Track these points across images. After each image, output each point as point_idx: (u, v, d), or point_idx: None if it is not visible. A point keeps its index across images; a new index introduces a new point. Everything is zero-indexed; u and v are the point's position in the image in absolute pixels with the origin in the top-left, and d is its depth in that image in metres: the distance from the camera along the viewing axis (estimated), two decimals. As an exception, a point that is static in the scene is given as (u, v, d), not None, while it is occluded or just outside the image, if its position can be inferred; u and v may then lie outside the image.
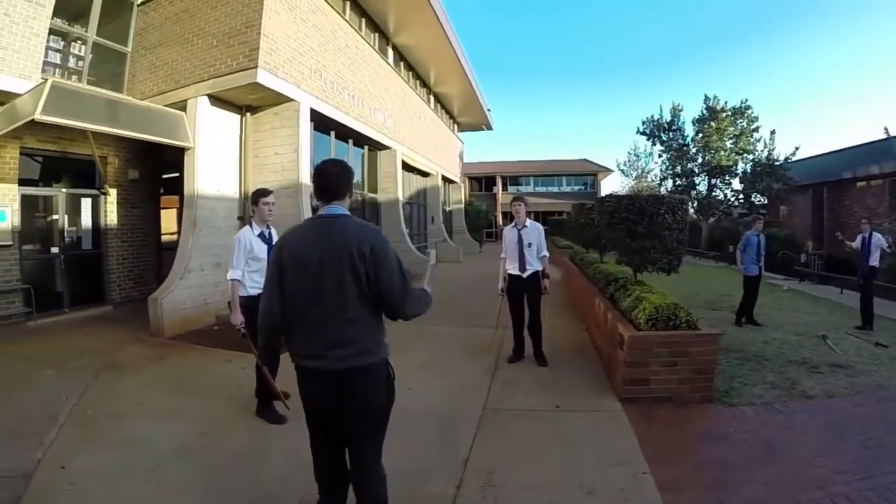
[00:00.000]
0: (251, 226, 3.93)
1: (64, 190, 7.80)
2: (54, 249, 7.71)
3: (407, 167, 15.54)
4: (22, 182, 7.10)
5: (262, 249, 3.86)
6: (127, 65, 8.14)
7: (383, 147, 12.92)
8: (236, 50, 7.15)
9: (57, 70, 7.38)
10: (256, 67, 7.05)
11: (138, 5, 8.16)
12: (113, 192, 8.41)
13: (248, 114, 8.26)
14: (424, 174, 18.34)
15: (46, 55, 7.00)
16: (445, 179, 21.59)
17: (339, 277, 1.88)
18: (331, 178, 2.06)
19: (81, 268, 8.15)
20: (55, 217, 7.76)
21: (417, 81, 17.35)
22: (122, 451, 3.38)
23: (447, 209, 22.87)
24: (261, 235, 3.91)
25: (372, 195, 12.88)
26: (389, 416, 2.16)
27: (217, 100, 7.73)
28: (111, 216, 8.41)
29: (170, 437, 3.58)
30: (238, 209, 8.22)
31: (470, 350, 5.77)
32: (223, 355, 5.54)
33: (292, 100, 8.01)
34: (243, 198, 8.26)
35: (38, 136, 6.99)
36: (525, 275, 5.13)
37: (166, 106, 7.62)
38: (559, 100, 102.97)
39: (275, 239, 3.95)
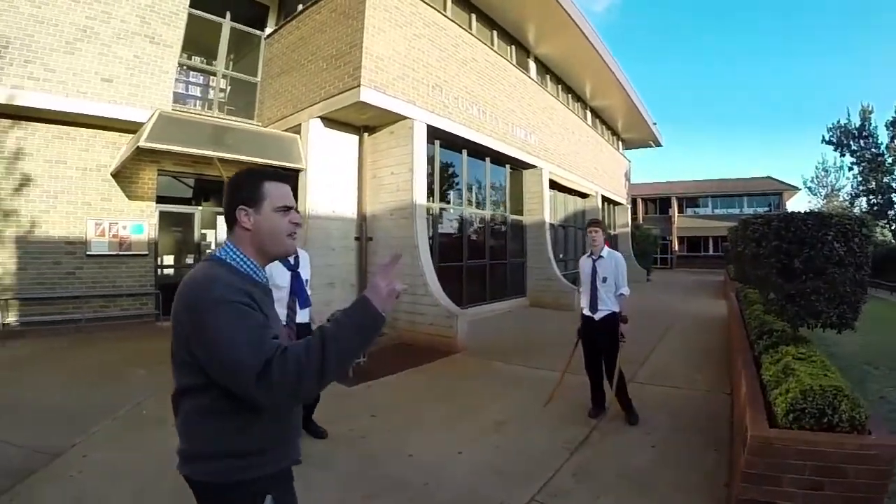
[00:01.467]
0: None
1: (200, 207, 9.04)
2: (189, 260, 9.06)
3: (558, 187, 15.05)
4: (161, 199, 8.63)
5: (282, 276, 3.69)
6: (257, 93, 9.16)
7: (528, 166, 12.58)
8: (342, 70, 7.58)
9: (197, 101, 8.59)
10: (360, 86, 7.33)
11: (265, 38, 9.19)
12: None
13: (366, 134, 8.66)
14: (582, 195, 17.55)
15: (186, 88, 8.08)
16: (607, 200, 20.37)
17: (174, 341, 1.36)
18: (223, 198, 1.50)
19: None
20: (192, 231, 9.21)
21: (569, 95, 16.73)
22: (138, 454, 3.61)
23: (611, 233, 21.21)
24: (283, 260, 3.64)
25: (516, 217, 12.53)
26: None
27: (331, 121, 8.29)
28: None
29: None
30: (355, 230, 8.52)
31: (572, 407, 4.82)
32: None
33: (406, 117, 8.08)
34: (361, 218, 8.46)
35: (173, 160, 8.41)
36: (597, 316, 4.52)
37: (287, 130, 8.47)
38: (746, 116, 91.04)
39: (301, 264, 3.88)
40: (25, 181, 7.27)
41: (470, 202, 10.65)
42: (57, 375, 5.46)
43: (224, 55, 9.11)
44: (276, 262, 3.30)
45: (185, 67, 8.68)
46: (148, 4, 7.83)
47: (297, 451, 1.51)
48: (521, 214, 12.71)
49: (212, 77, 9.13)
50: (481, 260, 10.84)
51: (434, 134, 8.73)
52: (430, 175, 9.15)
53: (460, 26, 9.69)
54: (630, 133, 22.86)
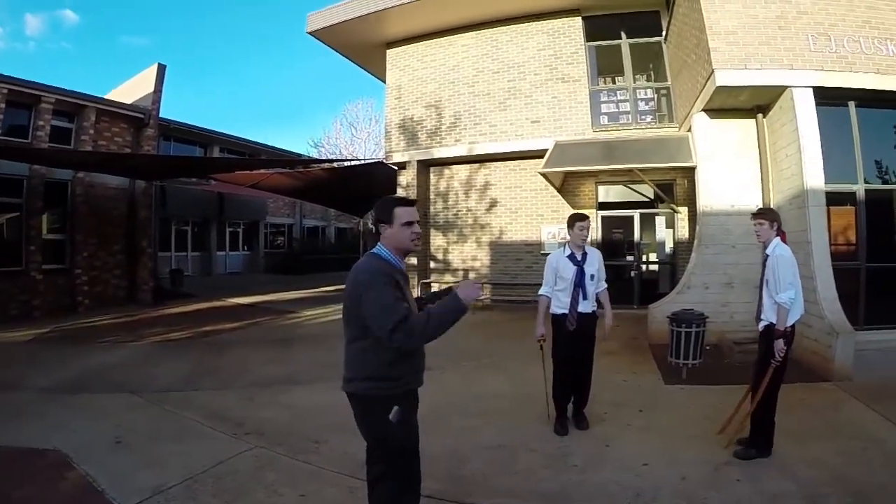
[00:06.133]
0: (564, 247, 4.83)
1: (638, 211, 11.46)
2: (630, 258, 11.70)
3: None
4: (602, 206, 11.65)
5: (567, 269, 4.64)
6: (672, 98, 10.49)
7: None
8: (702, 58, 8.13)
9: (623, 117, 10.94)
10: (713, 70, 7.64)
11: (664, 42, 10.18)
12: (683, 209, 11.04)
13: (760, 115, 8.39)
14: None
15: (617, 106, 10.81)
16: None
17: (348, 305, 2.48)
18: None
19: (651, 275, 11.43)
20: (632, 232, 11.70)
21: None
22: (455, 379, 6.55)
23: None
24: (570, 257, 4.68)
25: None
26: (398, 462, 2.52)
27: (716, 111, 8.68)
28: (682, 230, 11.06)
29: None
30: (763, 225, 8.54)
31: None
32: (635, 366, 7.07)
33: (784, 86, 7.56)
34: (766, 212, 8.46)
35: (607, 173, 11.16)
36: (759, 327, 4.46)
37: (689, 129, 9.41)
38: None
39: (588, 260, 4.68)
40: (493, 203, 12.48)
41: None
42: (490, 333, 9.33)
43: (630, 71, 11.04)
44: (566, 258, 4.69)
45: (601, 92, 11.26)
46: (552, 54, 11.27)
47: (420, 380, 2.64)
48: None
49: (635, 91, 11.10)
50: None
51: (838, 95, 7.32)
52: (850, 146, 7.63)
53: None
54: None
